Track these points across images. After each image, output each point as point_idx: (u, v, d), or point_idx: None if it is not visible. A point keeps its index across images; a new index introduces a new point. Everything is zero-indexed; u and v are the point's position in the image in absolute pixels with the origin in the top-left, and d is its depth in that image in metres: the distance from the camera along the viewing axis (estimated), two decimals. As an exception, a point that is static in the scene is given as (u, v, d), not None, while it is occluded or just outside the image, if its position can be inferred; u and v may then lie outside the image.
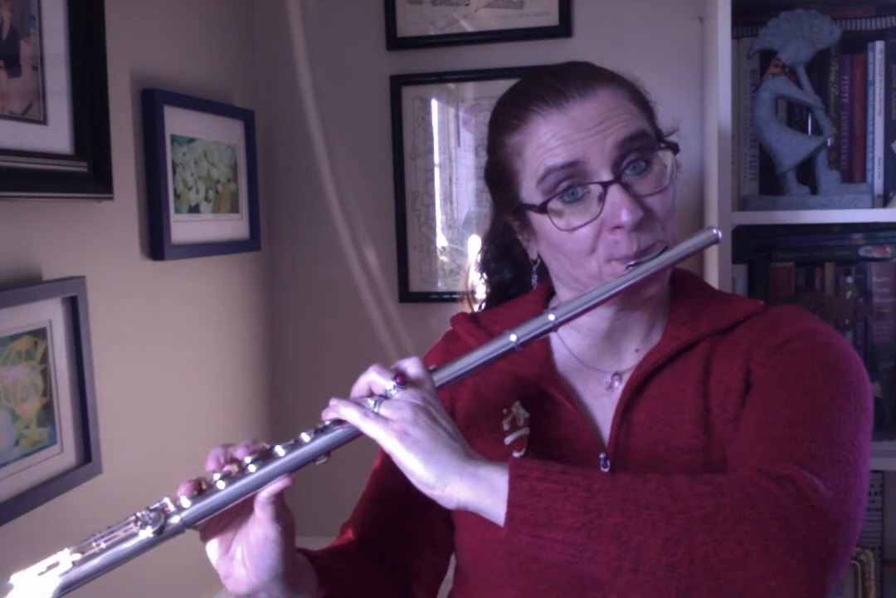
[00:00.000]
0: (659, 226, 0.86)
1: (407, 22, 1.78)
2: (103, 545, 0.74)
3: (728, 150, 1.40)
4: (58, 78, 1.22)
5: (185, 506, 0.76)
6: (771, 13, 1.44)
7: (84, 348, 1.26)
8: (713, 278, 1.41)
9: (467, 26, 1.76)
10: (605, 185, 0.84)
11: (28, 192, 1.14)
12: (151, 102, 1.45)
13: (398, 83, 1.80)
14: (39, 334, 1.19)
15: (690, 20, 1.67)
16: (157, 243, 1.46)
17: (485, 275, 1.09)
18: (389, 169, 1.83)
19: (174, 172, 1.51)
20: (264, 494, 0.76)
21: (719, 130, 1.39)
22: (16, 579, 0.72)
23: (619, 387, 0.93)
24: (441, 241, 1.83)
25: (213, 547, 0.81)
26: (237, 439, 1.77)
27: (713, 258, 1.43)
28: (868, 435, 0.81)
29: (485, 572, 0.90)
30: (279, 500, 0.77)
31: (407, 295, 1.84)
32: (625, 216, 0.83)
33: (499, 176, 0.94)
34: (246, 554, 0.79)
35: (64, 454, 1.24)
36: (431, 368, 0.82)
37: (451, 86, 1.78)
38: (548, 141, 0.86)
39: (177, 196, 1.52)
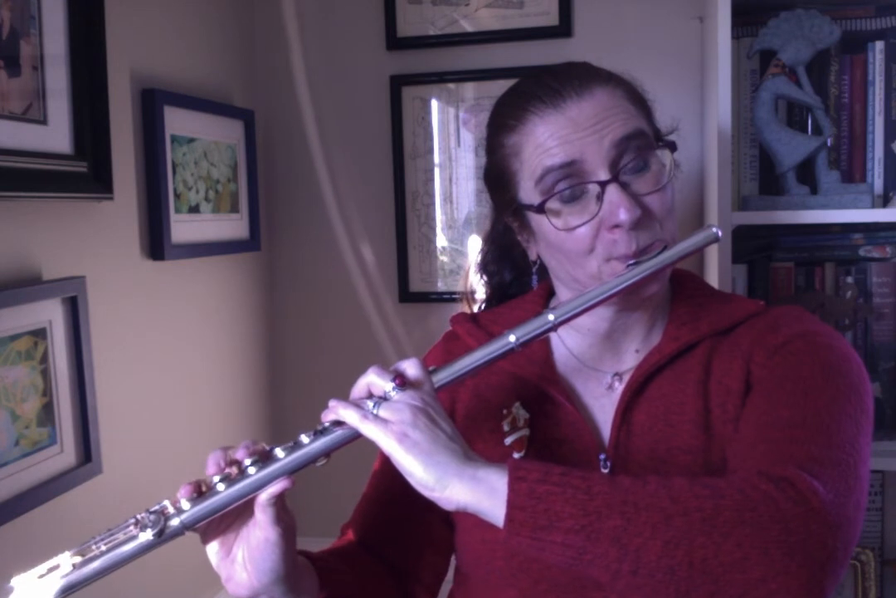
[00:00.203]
0: (658, 225, 0.86)
1: (407, 22, 1.78)
2: (103, 548, 0.74)
3: (728, 150, 1.40)
4: (58, 78, 1.22)
5: (185, 508, 0.76)
6: (771, 13, 1.44)
7: (84, 348, 1.26)
8: (713, 278, 1.41)
9: (467, 26, 1.76)
10: (603, 184, 0.84)
11: (28, 192, 1.14)
12: (151, 102, 1.45)
13: (398, 83, 1.80)
14: (39, 334, 1.19)
15: (690, 20, 1.67)
16: (157, 243, 1.46)
17: (485, 276, 1.09)
18: (389, 169, 1.83)
19: (174, 172, 1.51)
20: (264, 496, 0.76)
21: (719, 130, 1.39)
22: (16, 581, 0.72)
23: (619, 387, 0.93)
24: (441, 241, 1.83)
25: (213, 550, 0.81)
26: (237, 438, 1.77)
27: (713, 258, 1.43)
28: (868, 437, 0.80)
29: (485, 572, 0.90)
30: (279, 502, 0.77)
31: (407, 295, 1.84)
32: (623, 215, 0.83)
33: (497, 177, 0.94)
34: (247, 557, 0.79)
35: (64, 454, 1.24)
36: (431, 369, 0.82)
37: (451, 86, 1.78)
38: (545, 141, 0.86)
39: (177, 196, 1.52)
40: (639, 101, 0.90)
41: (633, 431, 0.89)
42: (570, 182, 0.85)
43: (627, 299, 0.88)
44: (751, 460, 0.78)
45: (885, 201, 1.44)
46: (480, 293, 1.11)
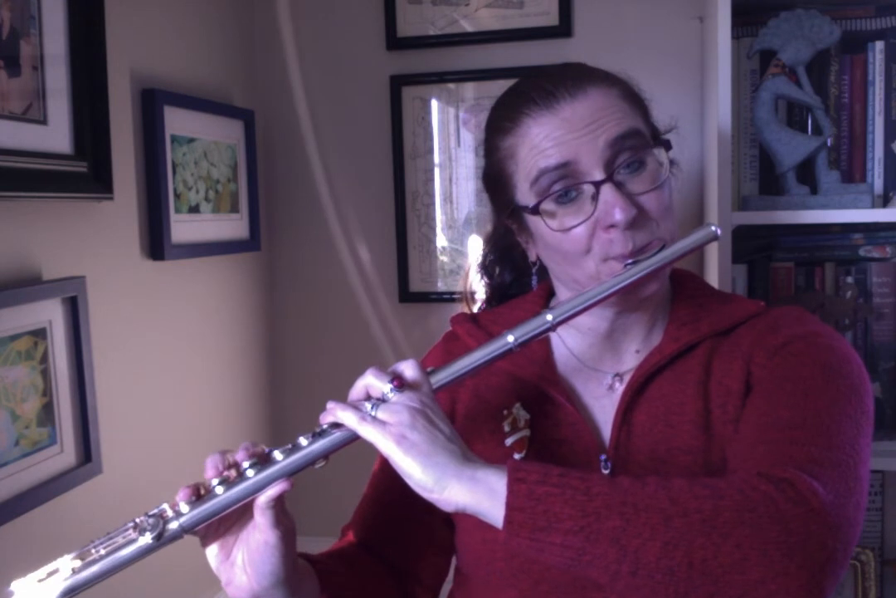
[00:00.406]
0: (654, 224, 0.86)
1: (407, 22, 1.78)
2: (102, 552, 0.74)
3: (728, 150, 1.40)
4: (58, 78, 1.22)
5: (184, 512, 0.75)
6: (771, 13, 1.43)
7: (84, 348, 1.26)
8: (713, 278, 1.41)
9: (467, 26, 1.76)
10: (598, 184, 0.84)
11: (28, 192, 1.14)
12: (151, 102, 1.45)
13: (398, 83, 1.80)
14: (39, 334, 1.19)
15: (690, 20, 1.67)
16: (157, 243, 1.46)
17: (485, 277, 1.09)
18: (389, 169, 1.83)
19: (174, 172, 1.51)
20: (263, 498, 0.76)
21: (719, 130, 1.39)
22: (16, 586, 0.72)
23: (619, 388, 0.93)
24: (441, 241, 1.83)
25: (213, 553, 0.81)
26: (237, 438, 1.78)
27: (713, 258, 1.43)
28: (869, 438, 0.80)
29: (485, 573, 0.90)
30: (279, 505, 0.77)
31: (407, 295, 1.84)
32: (618, 215, 0.83)
33: (494, 179, 0.94)
34: (246, 560, 0.79)
35: (64, 454, 1.24)
36: (429, 370, 0.82)
37: (451, 86, 1.78)
38: (539, 143, 0.86)
39: (177, 196, 1.52)
40: (634, 100, 0.90)
41: (633, 431, 0.89)
42: (565, 183, 0.85)
43: (626, 299, 0.88)
44: (750, 461, 0.78)
45: (885, 201, 1.44)
46: (480, 294, 1.11)
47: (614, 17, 1.71)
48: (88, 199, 1.28)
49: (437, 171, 1.81)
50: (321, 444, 0.77)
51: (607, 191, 0.84)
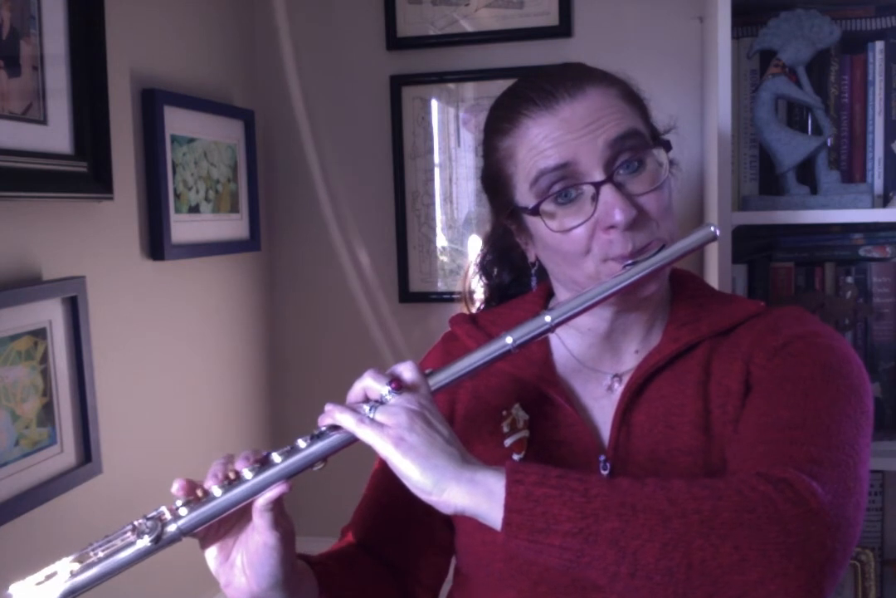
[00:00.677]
0: (654, 224, 0.86)
1: (407, 22, 1.78)
2: (101, 555, 0.74)
3: (728, 150, 1.40)
4: (58, 78, 1.22)
5: (182, 514, 0.75)
6: (771, 13, 1.43)
7: (84, 348, 1.26)
8: (713, 278, 1.41)
9: (467, 26, 1.76)
10: (597, 185, 0.84)
11: (28, 192, 1.14)
12: (151, 102, 1.45)
13: (398, 83, 1.80)
14: (39, 334, 1.19)
15: (690, 20, 1.67)
16: (157, 243, 1.46)
17: (484, 278, 1.09)
18: (389, 169, 1.83)
19: (174, 172, 1.51)
20: (261, 501, 0.76)
21: (719, 130, 1.39)
22: (14, 589, 0.72)
23: (618, 389, 0.93)
24: (441, 241, 1.83)
25: (212, 555, 0.81)
26: (237, 438, 1.78)
27: (713, 258, 1.43)
28: (868, 438, 0.80)
29: (485, 574, 0.90)
30: (277, 507, 0.77)
31: (407, 295, 1.84)
32: (618, 215, 0.83)
33: (493, 180, 0.94)
34: (245, 562, 0.79)
35: (64, 454, 1.24)
36: (427, 371, 0.82)
37: (451, 86, 1.78)
38: (539, 143, 0.85)
39: (177, 196, 1.52)
40: (634, 100, 0.90)
41: (632, 432, 0.89)
42: (564, 184, 0.85)
43: (626, 300, 0.88)
44: (750, 461, 0.78)
45: (885, 201, 1.44)
46: (479, 294, 1.11)
47: (614, 17, 1.71)
48: (88, 199, 1.28)
49: (437, 171, 1.81)
50: (319, 446, 0.77)
51: (607, 191, 0.84)
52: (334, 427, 0.77)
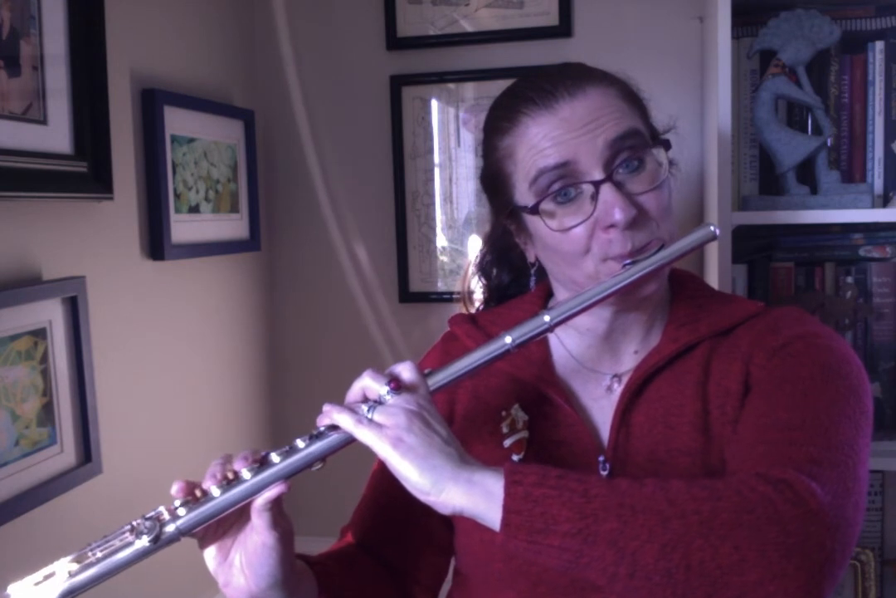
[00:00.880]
0: (654, 224, 0.86)
1: (407, 22, 1.78)
2: (99, 555, 0.74)
3: (728, 150, 1.40)
4: (58, 78, 1.22)
5: (181, 514, 0.75)
6: (771, 13, 1.43)
7: (84, 348, 1.26)
8: (713, 278, 1.41)
9: (467, 26, 1.76)
10: (597, 184, 0.84)
11: (28, 192, 1.15)
12: (151, 102, 1.45)
13: (398, 83, 1.80)
14: (39, 334, 1.19)
15: (690, 20, 1.67)
16: (157, 243, 1.46)
17: (483, 278, 1.09)
18: (389, 169, 1.83)
19: (174, 172, 1.51)
20: (260, 501, 0.76)
21: (719, 130, 1.39)
22: (12, 589, 0.72)
23: (618, 389, 0.92)
24: (441, 241, 1.83)
25: (210, 555, 0.81)
26: (237, 438, 1.77)
27: (713, 258, 1.43)
28: (868, 439, 0.80)
29: (484, 574, 0.90)
30: (276, 507, 0.77)
31: (407, 295, 1.84)
32: (617, 215, 0.82)
33: (493, 179, 0.94)
34: (244, 562, 0.79)
35: (64, 454, 1.24)
36: (426, 371, 0.82)
37: (451, 86, 1.78)
38: (538, 142, 0.85)
39: (177, 196, 1.52)
40: (633, 100, 0.90)
41: (632, 432, 0.88)
42: (564, 183, 0.85)
43: (625, 299, 0.88)
44: (749, 462, 0.78)
45: (885, 201, 1.44)
46: (479, 294, 1.11)
47: (614, 17, 1.71)
48: (88, 199, 1.28)
49: (437, 171, 1.81)
50: (318, 446, 0.77)
51: (607, 191, 0.83)
52: (333, 427, 0.77)
